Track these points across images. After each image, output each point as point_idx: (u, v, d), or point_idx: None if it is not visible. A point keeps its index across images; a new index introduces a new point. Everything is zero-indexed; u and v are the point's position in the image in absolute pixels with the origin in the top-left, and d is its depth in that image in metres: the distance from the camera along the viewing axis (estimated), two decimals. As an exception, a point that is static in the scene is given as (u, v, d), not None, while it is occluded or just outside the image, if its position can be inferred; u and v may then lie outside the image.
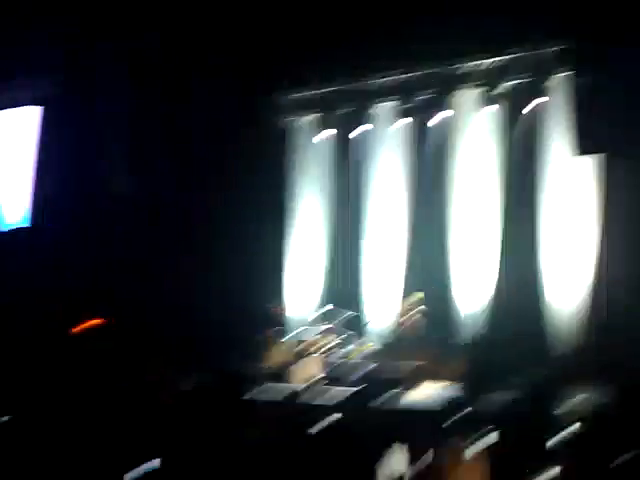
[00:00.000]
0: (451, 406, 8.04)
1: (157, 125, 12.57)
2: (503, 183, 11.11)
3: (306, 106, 12.51)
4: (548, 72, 10.43)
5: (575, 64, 9.76)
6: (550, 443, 5.46)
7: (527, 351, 9.76)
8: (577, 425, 6.33)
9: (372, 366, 10.20)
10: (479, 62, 11.08)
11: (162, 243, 12.33)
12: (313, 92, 12.30)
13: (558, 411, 7.13)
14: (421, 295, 10.97)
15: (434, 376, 10.72)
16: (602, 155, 9.99)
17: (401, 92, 11.63)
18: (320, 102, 12.27)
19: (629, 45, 8.92)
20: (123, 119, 12.80)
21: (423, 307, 10.95)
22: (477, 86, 11.20)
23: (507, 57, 10.82)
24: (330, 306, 11.44)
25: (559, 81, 10.33)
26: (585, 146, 9.35)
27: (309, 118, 12.57)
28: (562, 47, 10.16)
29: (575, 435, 5.92)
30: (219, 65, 11.64)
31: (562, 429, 6.19)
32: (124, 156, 12.79)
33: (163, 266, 12.26)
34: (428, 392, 9.70)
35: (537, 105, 10.74)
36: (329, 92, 12.16)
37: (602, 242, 10.22)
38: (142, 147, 12.85)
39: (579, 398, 8.33)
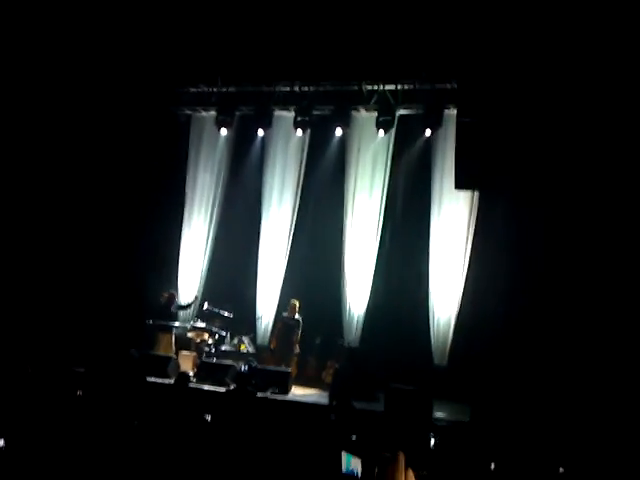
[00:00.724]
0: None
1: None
2: (390, 202, 11.77)
3: (209, 102, 12.58)
4: (440, 107, 11.07)
5: (461, 104, 10.33)
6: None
7: (400, 361, 10.48)
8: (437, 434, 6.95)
9: (245, 366, 10.52)
10: (375, 87, 11.57)
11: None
12: (216, 89, 12.35)
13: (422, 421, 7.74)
14: (297, 302, 11.28)
15: (307, 380, 11.31)
16: (476, 190, 10.85)
17: (299, 103, 11.91)
18: (223, 100, 12.34)
19: (510, 91, 9.64)
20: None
21: (298, 314, 11.26)
22: (372, 109, 11.70)
23: (403, 87, 11.42)
24: (206, 304, 11.56)
25: (449, 117, 10.99)
26: (462, 181, 10.03)
27: (211, 114, 12.64)
28: (451, 86, 10.88)
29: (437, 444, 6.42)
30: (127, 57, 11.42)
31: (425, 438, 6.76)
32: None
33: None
34: (298, 394, 10.17)
35: (427, 137, 11.43)
36: (232, 92, 12.27)
37: (472, 262, 11.13)
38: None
39: (442, 411, 9.10)
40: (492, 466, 5.21)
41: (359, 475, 4.72)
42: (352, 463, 4.76)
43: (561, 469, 5.59)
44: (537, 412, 8.25)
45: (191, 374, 10.17)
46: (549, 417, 8.03)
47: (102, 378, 7.86)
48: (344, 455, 4.81)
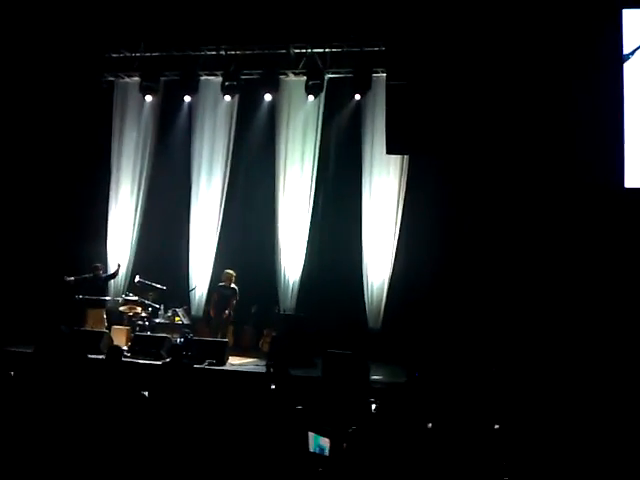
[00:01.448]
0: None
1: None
2: (321, 168, 11.71)
3: (132, 68, 12.07)
4: (368, 71, 10.97)
5: (387, 66, 10.31)
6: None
7: (336, 327, 10.57)
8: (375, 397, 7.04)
9: (181, 338, 10.38)
10: (304, 50, 11.36)
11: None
12: (140, 54, 11.88)
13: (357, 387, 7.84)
14: (232, 271, 11.07)
15: (244, 349, 11.28)
16: (406, 155, 10.92)
17: (227, 68, 11.54)
18: (147, 66, 11.86)
19: (438, 53, 9.67)
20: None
21: (234, 284, 11.09)
22: (301, 74, 11.51)
23: (332, 50, 11.24)
24: (138, 277, 11.26)
25: (378, 81, 10.94)
26: (390, 146, 10.06)
27: (135, 80, 12.16)
28: (380, 48, 10.76)
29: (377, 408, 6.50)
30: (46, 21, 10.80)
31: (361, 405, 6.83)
32: None
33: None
34: (235, 364, 10.13)
35: (357, 100, 11.35)
36: (156, 56, 11.82)
37: (403, 226, 11.27)
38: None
39: (379, 374, 9.25)
40: (429, 425, 5.32)
41: (328, 454, 4.72)
42: (320, 442, 4.75)
43: (496, 425, 5.75)
44: (469, 370, 8.50)
45: (125, 348, 9.96)
46: (481, 375, 8.28)
47: (36, 357, 7.59)
48: (311, 435, 4.80)
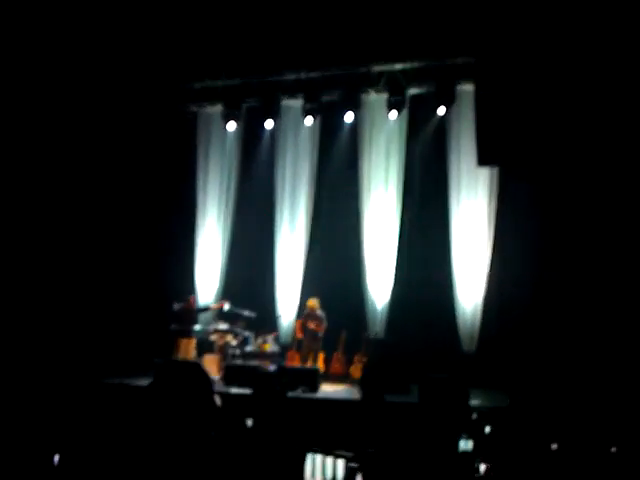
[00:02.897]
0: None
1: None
2: (407, 187, 11.40)
3: (215, 97, 12.20)
4: (452, 84, 10.69)
5: (476, 77, 9.95)
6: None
7: (428, 351, 10.15)
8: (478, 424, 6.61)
9: (274, 366, 10.21)
10: (385, 67, 11.19)
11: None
12: (223, 83, 12.00)
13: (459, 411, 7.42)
14: (316, 301, 10.94)
15: (335, 376, 11.00)
16: (498, 167, 10.46)
17: (307, 91, 11.54)
18: (228, 94, 11.98)
19: (529, 61, 9.27)
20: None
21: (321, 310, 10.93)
22: (382, 91, 11.32)
23: (412, 65, 11.02)
24: (227, 305, 11.16)
25: (462, 93, 10.63)
26: (482, 157, 9.66)
27: (217, 109, 12.28)
28: (465, 61, 10.45)
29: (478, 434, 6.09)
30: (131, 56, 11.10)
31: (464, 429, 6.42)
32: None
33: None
34: (328, 391, 9.85)
35: (441, 115, 11.03)
36: (237, 84, 11.91)
37: (496, 244, 10.76)
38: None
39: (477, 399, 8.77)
40: (553, 447, 4.87)
41: None
42: None
43: (613, 448, 5.25)
44: (573, 391, 7.98)
45: (217, 378, 9.87)
46: (585, 395, 7.76)
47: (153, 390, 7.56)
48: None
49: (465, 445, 5.95)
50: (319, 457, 4.90)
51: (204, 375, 7.41)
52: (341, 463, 4.75)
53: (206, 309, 11.54)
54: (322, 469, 4.77)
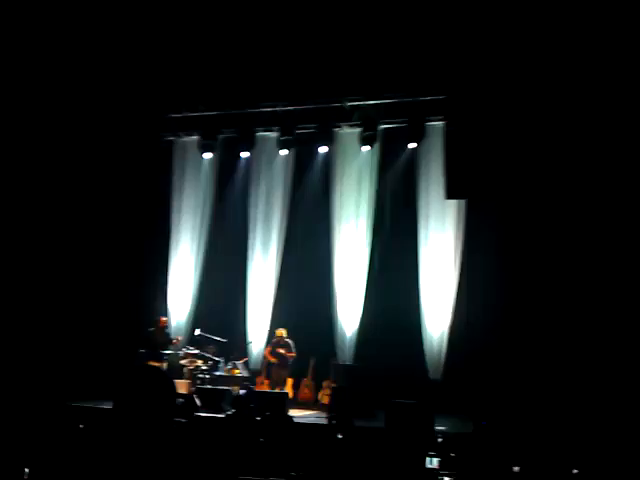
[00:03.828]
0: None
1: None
2: (377, 218, 11.73)
3: (191, 127, 12.50)
4: (422, 119, 11.09)
5: (446, 114, 10.39)
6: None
7: (395, 377, 10.35)
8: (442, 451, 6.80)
9: (244, 390, 10.30)
10: (357, 102, 11.56)
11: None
12: (199, 114, 12.28)
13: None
14: (284, 331, 11.23)
15: (303, 402, 11.13)
16: (465, 200, 10.85)
17: (282, 123, 11.86)
18: (206, 124, 12.27)
19: (495, 101, 9.72)
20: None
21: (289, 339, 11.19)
22: (355, 126, 11.70)
23: (384, 101, 11.39)
24: (198, 331, 11.32)
25: (432, 129, 11.04)
26: (451, 191, 10.03)
27: (194, 139, 12.56)
28: (435, 97, 10.87)
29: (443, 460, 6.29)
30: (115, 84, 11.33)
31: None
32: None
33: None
34: (296, 416, 9.95)
35: (411, 149, 11.43)
36: (214, 115, 12.19)
37: (462, 274, 11.09)
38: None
39: (442, 424, 8.97)
40: (515, 469, 5.11)
41: None
42: None
43: (575, 470, 5.51)
44: (539, 416, 8.24)
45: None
46: (552, 419, 8.02)
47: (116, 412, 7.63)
48: None
49: (431, 463, 6.18)
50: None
51: (168, 379, 7.52)
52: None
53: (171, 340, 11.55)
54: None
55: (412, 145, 11.30)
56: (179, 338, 11.43)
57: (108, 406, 7.58)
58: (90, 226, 11.91)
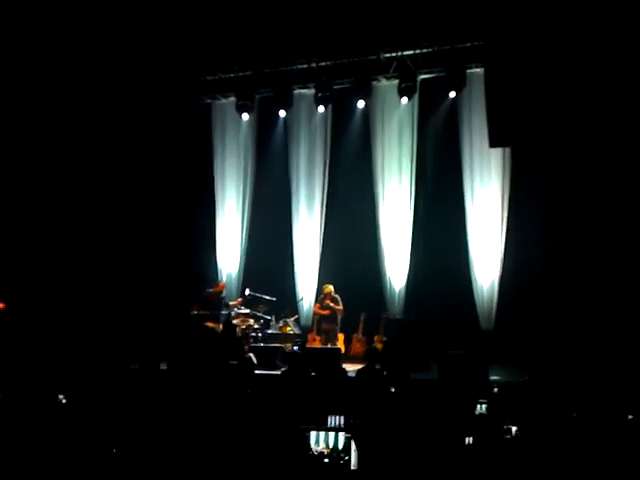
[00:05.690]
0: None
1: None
2: (420, 171, 11.62)
3: (228, 89, 12.50)
4: (461, 67, 10.84)
5: (485, 60, 10.15)
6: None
7: (447, 329, 10.40)
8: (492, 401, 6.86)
9: (295, 347, 10.51)
10: (394, 54, 11.37)
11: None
12: (234, 75, 12.27)
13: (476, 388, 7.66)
14: (331, 286, 11.24)
15: (355, 357, 11.27)
16: (509, 147, 10.65)
17: (318, 80, 11.75)
18: (241, 85, 12.25)
19: (535, 47, 9.43)
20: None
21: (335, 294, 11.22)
22: (393, 78, 11.51)
23: (422, 51, 11.18)
24: (248, 290, 11.49)
25: (472, 77, 10.80)
26: (494, 139, 9.85)
27: (231, 100, 12.56)
28: (472, 44, 10.62)
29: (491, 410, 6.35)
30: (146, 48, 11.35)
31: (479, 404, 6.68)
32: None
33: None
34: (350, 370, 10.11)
35: (451, 99, 11.22)
36: (250, 75, 12.17)
37: (510, 223, 10.97)
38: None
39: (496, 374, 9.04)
40: (574, 415, 5.15)
41: None
42: None
43: (630, 416, 5.49)
44: (591, 362, 8.20)
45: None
46: (605, 365, 7.98)
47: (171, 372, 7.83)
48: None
49: (481, 409, 6.25)
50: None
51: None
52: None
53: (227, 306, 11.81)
54: (325, 439, 5.08)
55: (452, 94, 11.07)
56: (240, 300, 11.62)
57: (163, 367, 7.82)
58: (138, 193, 12.13)
